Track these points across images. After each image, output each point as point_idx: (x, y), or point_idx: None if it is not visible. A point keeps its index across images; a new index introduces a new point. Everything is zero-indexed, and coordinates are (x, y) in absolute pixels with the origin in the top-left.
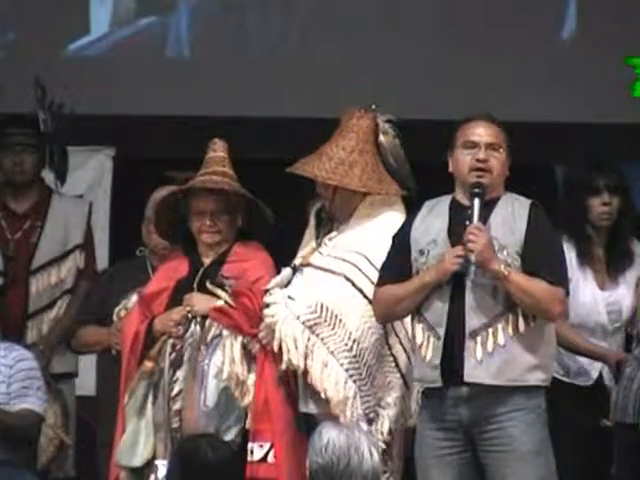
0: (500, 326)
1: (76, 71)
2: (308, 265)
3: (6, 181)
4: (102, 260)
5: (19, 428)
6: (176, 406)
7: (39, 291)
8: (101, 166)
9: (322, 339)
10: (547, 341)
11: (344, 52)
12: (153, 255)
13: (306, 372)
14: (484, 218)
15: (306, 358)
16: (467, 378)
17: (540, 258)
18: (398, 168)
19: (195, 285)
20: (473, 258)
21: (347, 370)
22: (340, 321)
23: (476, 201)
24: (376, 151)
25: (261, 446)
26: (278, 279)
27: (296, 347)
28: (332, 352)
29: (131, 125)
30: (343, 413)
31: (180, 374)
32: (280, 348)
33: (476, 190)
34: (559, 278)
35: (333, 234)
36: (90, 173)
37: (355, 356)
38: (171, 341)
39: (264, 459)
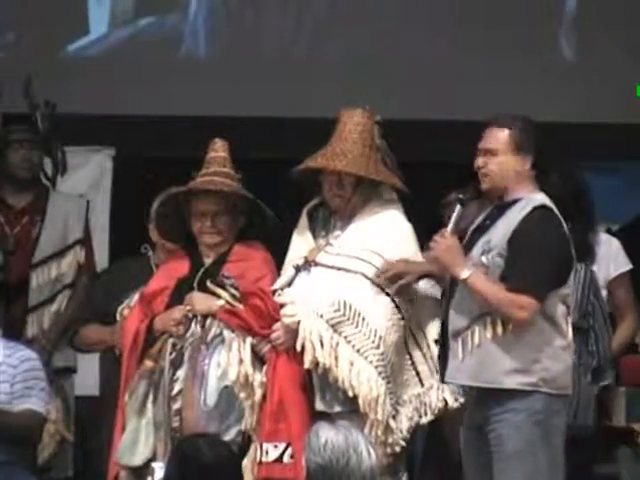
0: (478, 328)
1: (76, 71)
2: (316, 264)
3: (6, 176)
4: (102, 260)
5: (21, 428)
6: (176, 405)
7: (39, 285)
8: (101, 166)
9: (345, 337)
10: (530, 345)
11: (350, 53)
12: (157, 253)
13: (327, 370)
14: (494, 220)
15: (330, 356)
16: (447, 378)
17: (511, 263)
18: (392, 167)
19: (196, 284)
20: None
21: (376, 367)
22: (363, 319)
23: (457, 207)
24: (376, 149)
25: (276, 446)
26: (284, 279)
27: (322, 345)
28: (358, 350)
29: (131, 125)
30: (374, 411)
31: (180, 373)
32: (302, 347)
33: (459, 196)
34: (524, 284)
35: (337, 233)
36: (90, 173)
37: (382, 353)
38: (171, 340)
39: (280, 459)
